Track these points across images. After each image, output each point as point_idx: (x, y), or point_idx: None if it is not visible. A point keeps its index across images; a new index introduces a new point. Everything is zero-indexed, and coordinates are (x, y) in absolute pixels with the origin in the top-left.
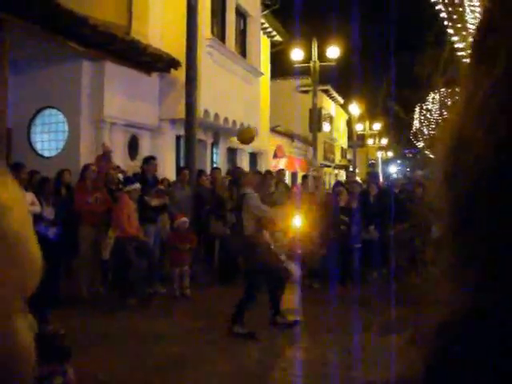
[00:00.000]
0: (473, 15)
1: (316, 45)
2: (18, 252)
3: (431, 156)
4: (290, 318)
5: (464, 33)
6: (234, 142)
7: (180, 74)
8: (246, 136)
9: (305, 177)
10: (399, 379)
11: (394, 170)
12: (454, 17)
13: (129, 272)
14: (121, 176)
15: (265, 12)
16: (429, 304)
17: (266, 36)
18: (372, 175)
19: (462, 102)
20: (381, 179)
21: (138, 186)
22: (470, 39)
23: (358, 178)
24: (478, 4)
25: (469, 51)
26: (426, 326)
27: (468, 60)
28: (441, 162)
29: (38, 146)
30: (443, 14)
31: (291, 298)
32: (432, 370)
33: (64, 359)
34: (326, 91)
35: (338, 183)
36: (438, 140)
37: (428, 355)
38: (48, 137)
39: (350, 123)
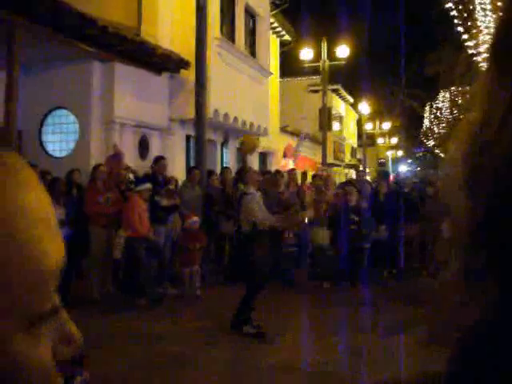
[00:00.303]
0: (483, 13)
1: (325, 44)
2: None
3: (442, 155)
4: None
5: (474, 31)
6: None
7: (190, 74)
8: (248, 147)
9: (315, 176)
10: (413, 380)
11: (404, 169)
12: (465, 15)
13: (139, 272)
14: (132, 176)
15: (274, 11)
16: (448, 305)
17: (275, 35)
18: (383, 174)
19: (482, 103)
20: (391, 178)
21: (149, 185)
22: (482, 37)
23: (368, 178)
24: (488, 1)
25: (483, 50)
26: (449, 327)
27: (487, 60)
28: (460, 163)
29: (49, 147)
30: (453, 13)
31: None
32: (458, 371)
33: (81, 359)
34: (335, 90)
35: (347, 182)
36: (455, 140)
37: (454, 356)
38: (59, 137)
39: (359, 122)
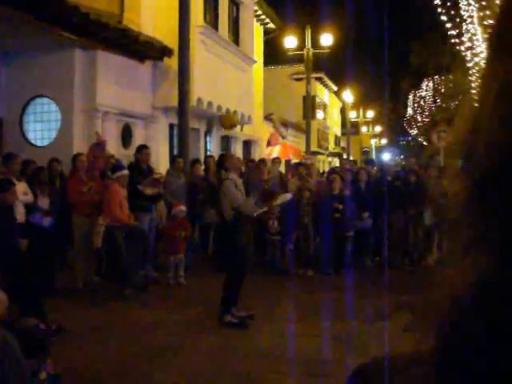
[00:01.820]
0: (466, 2)
1: (309, 32)
2: None
3: (425, 143)
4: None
5: (457, 20)
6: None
7: (173, 62)
8: (228, 123)
9: (299, 164)
10: (400, 356)
11: (387, 157)
12: (448, 4)
13: (120, 260)
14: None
15: None
16: (440, 281)
17: (259, 23)
18: (367, 162)
19: (481, 90)
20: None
21: (126, 171)
22: (465, 26)
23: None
24: None
25: (466, 40)
26: (439, 301)
27: (487, 51)
28: (460, 140)
29: (31, 136)
30: (437, 1)
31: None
32: (445, 343)
33: (45, 353)
34: (319, 79)
35: (333, 170)
36: (456, 124)
37: (440, 329)
38: (41, 126)
39: (343, 111)
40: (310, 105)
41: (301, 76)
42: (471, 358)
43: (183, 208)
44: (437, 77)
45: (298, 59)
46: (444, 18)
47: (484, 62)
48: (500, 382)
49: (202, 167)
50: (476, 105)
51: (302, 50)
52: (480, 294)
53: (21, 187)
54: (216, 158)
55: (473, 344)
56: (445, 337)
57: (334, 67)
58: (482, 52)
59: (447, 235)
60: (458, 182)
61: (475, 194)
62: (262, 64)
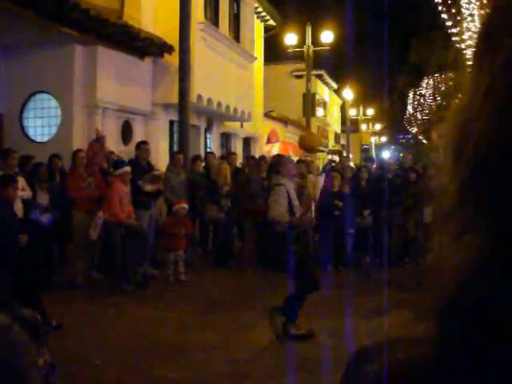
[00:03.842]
0: (467, 0)
1: (310, 29)
2: None
3: (425, 141)
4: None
5: (458, 18)
6: (228, 126)
7: (173, 59)
8: (310, 144)
9: (299, 161)
10: (400, 338)
11: (387, 155)
12: (449, 1)
13: (116, 256)
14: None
15: None
16: (435, 267)
17: (259, 20)
18: (367, 159)
19: (469, 86)
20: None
21: (128, 168)
22: (466, 24)
23: (351, 163)
24: None
25: (467, 37)
26: (435, 286)
27: (474, 49)
28: (451, 136)
29: (31, 131)
30: None
31: None
32: (442, 326)
33: (41, 341)
34: (319, 76)
35: (331, 168)
36: (448, 118)
37: (439, 308)
38: (41, 122)
39: (343, 108)
40: (309, 102)
41: (301, 73)
42: (469, 338)
43: (185, 206)
44: (437, 75)
45: (299, 56)
46: (445, 15)
47: (474, 57)
48: (497, 361)
49: (203, 164)
50: (466, 101)
51: (302, 47)
52: (472, 279)
53: (19, 183)
54: (216, 155)
55: (469, 326)
56: (442, 320)
57: (334, 65)
58: None
59: (440, 225)
60: (450, 176)
61: (465, 187)
62: (262, 61)
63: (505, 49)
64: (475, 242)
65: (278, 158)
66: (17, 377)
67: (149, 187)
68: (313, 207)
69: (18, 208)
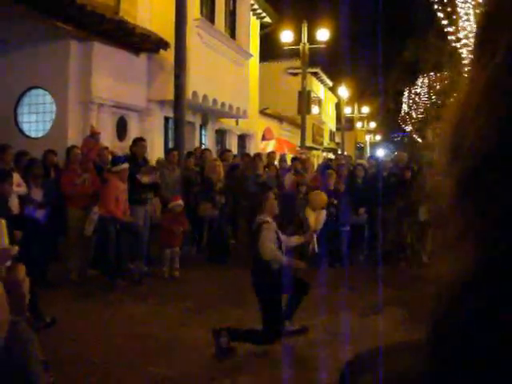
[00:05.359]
0: None
1: (306, 27)
2: None
3: (419, 140)
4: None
5: (454, 17)
6: (223, 123)
7: (169, 55)
8: (319, 204)
9: (294, 159)
10: (394, 345)
11: (381, 153)
12: (445, 0)
13: (110, 252)
14: (110, 157)
15: None
16: (432, 272)
17: (255, 17)
18: (371, 157)
19: (467, 85)
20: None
21: (126, 165)
22: (461, 23)
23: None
24: None
25: (462, 36)
26: (432, 291)
27: (472, 48)
28: (447, 136)
29: (25, 127)
30: None
31: None
32: (437, 331)
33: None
34: (315, 74)
35: (327, 166)
36: (445, 118)
37: (433, 318)
38: (35, 117)
39: (338, 106)
40: (305, 100)
41: (296, 71)
42: (463, 345)
43: (180, 202)
44: (432, 73)
45: (294, 54)
46: (440, 14)
47: (471, 58)
48: (490, 366)
49: (195, 159)
50: (463, 100)
51: (298, 44)
52: (468, 284)
53: (14, 178)
54: (212, 152)
55: (463, 331)
56: (437, 325)
57: (329, 62)
58: None
59: (437, 228)
60: (446, 177)
61: (462, 188)
62: (257, 58)
63: (502, 48)
64: (474, 246)
65: (262, 193)
66: (22, 359)
67: (146, 179)
68: (314, 238)
69: (14, 204)
